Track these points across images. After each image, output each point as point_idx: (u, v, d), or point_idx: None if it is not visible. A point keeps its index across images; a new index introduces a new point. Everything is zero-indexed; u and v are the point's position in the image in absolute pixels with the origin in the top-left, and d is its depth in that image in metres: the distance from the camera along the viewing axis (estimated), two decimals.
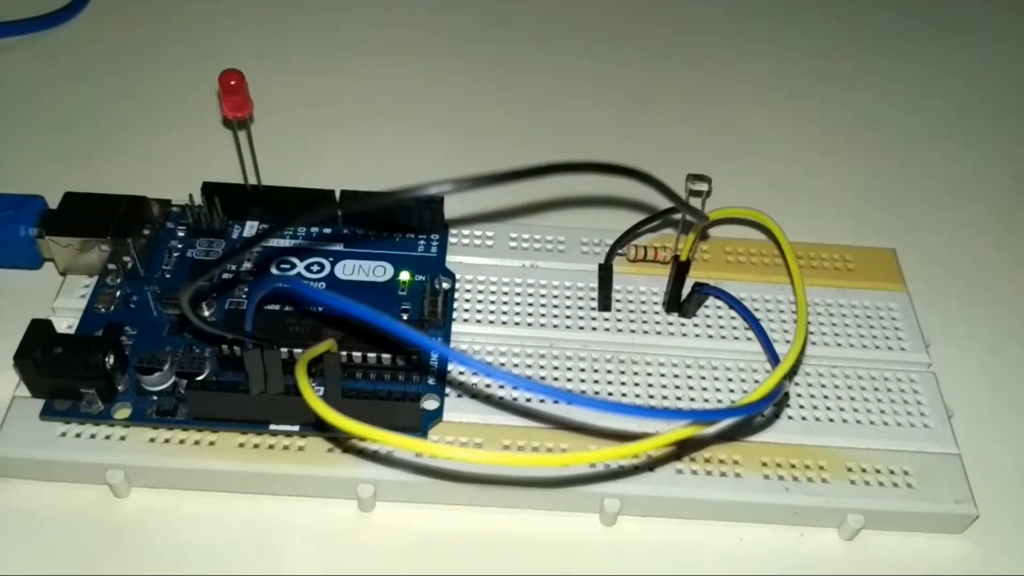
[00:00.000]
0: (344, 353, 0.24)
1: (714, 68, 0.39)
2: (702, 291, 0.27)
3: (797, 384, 0.26)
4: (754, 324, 0.26)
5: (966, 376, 0.28)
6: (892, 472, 0.25)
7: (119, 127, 0.34)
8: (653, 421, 0.24)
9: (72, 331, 0.26)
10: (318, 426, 0.23)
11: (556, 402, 0.25)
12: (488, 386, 0.25)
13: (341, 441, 0.24)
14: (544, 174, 0.16)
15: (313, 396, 0.18)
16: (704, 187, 0.25)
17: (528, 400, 0.25)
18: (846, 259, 0.30)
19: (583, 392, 0.26)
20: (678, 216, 0.25)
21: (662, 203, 0.23)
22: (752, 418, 0.25)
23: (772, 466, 0.25)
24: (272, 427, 0.24)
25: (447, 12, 0.41)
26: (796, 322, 0.23)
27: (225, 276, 0.27)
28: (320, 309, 0.25)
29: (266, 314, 0.25)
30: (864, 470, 0.25)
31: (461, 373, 0.26)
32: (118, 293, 0.26)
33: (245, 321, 0.21)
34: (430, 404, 0.24)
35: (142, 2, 0.39)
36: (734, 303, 0.27)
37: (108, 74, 0.36)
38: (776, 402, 0.23)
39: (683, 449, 0.24)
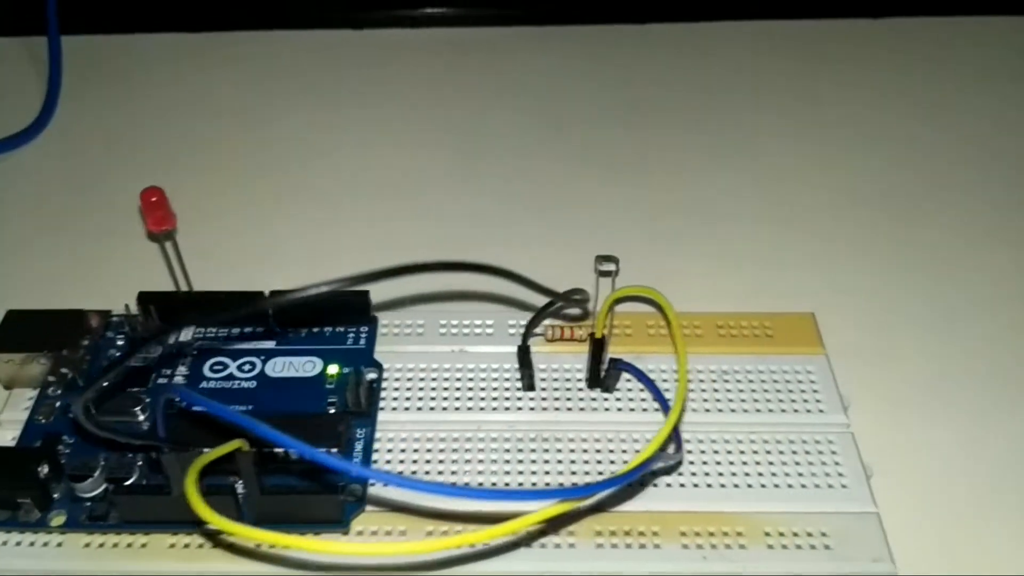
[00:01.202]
0: (263, 450, 0.25)
1: (631, 142, 0.41)
2: (618, 366, 0.28)
3: (716, 452, 0.27)
4: (657, 395, 0.27)
5: (885, 436, 0.28)
6: (810, 534, 0.25)
7: (60, 244, 0.35)
8: (527, 503, 0.24)
9: (15, 443, 0.27)
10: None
11: (443, 497, 0.25)
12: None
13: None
14: (405, 273, 0.17)
15: (199, 502, 0.19)
16: (611, 267, 0.26)
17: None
18: (765, 326, 0.30)
19: (507, 473, 0.26)
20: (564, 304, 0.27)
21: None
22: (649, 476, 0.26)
23: (691, 535, 0.25)
24: (201, 527, 0.25)
25: (399, 115, 0.43)
26: (675, 396, 0.24)
27: (161, 381, 0.28)
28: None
29: (189, 415, 0.26)
30: (782, 534, 0.25)
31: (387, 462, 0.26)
32: (58, 404, 0.27)
33: (158, 427, 0.22)
34: (352, 495, 0.25)
35: (94, 129, 0.42)
36: (640, 376, 0.28)
37: (50, 196, 0.38)
38: (665, 469, 0.24)
39: (603, 522, 0.25)
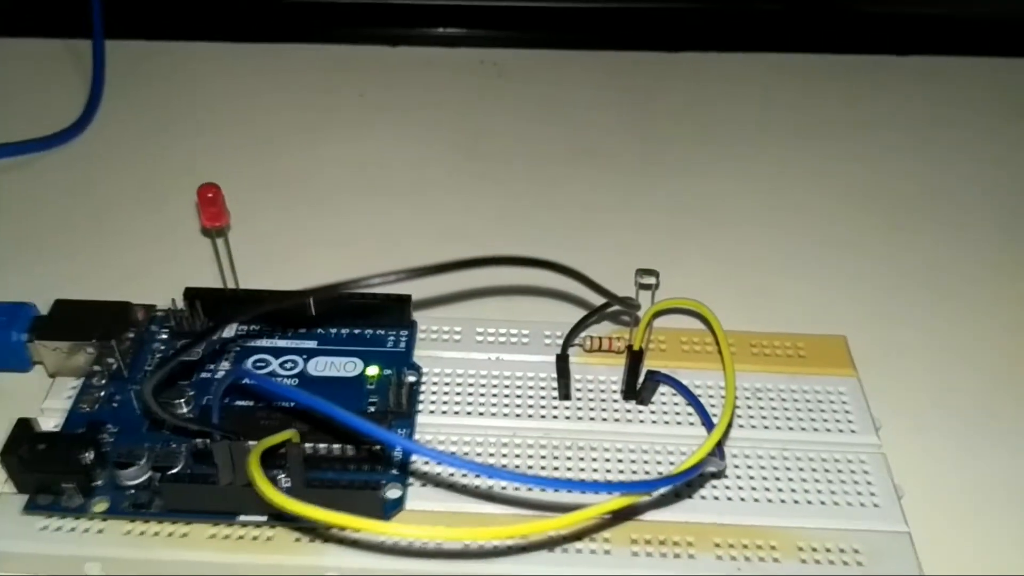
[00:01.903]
0: (310, 445, 0.25)
1: (666, 162, 0.41)
2: (655, 378, 0.28)
3: (750, 467, 0.27)
4: (699, 408, 0.27)
5: (916, 457, 0.28)
6: (842, 551, 0.25)
7: (107, 238, 0.36)
8: (592, 495, 0.25)
9: (58, 430, 0.27)
10: (285, 516, 0.24)
11: (500, 481, 0.26)
12: (452, 475, 0.27)
13: (308, 531, 0.25)
14: (474, 266, 0.18)
15: (265, 483, 0.20)
16: (652, 280, 0.27)
17: (488, 488, 0.26)
18: (798, 347, 0.31)
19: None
20: (617, 308, 0.27)
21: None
22: (685, 488, 0.26)
23: (724, 546, 0.25)
24: (241, 518, 0.25)
25: (430, 130, 0.43)
26: (724, 403, 0.24)
27: (203, 375, 0.28)
28: (285, 403, 0.26)
29: (238, 408, 0.26)
30: (815, 549, 0.25)
31: (425, 463, 0.27)
32: (102, 393, 0.28)
33: (212, 413, 0.22)
34: (393, 493, 0.26)
35: (134, 128, 0.42)
36: (682, 388, 0.28)
37: (96, 192, 0.39)
38: (708, 474, 0.24)
39: (638, 530, 0.25)
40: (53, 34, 0.47)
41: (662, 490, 0.26)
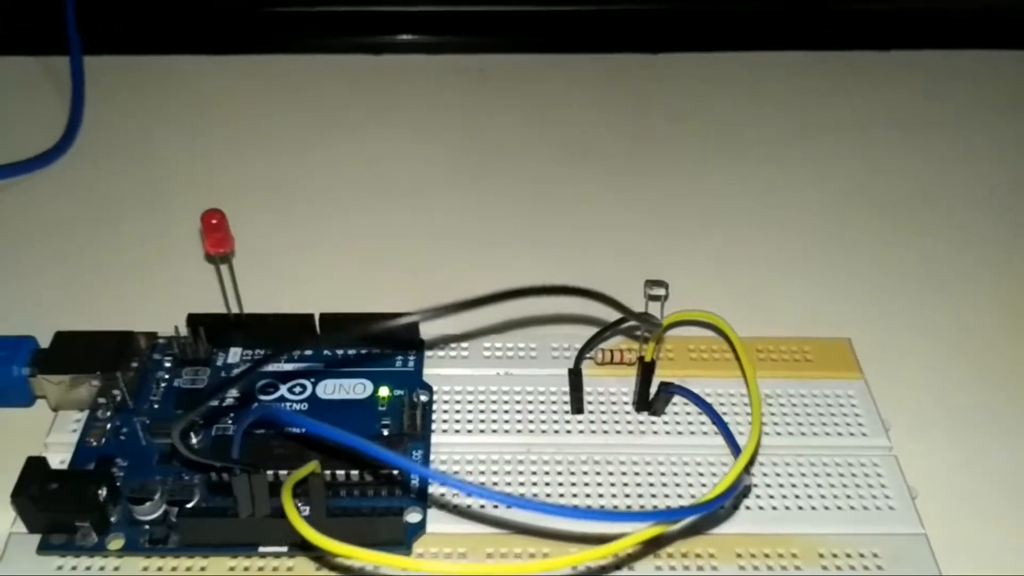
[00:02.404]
0: (328, 472, 0.25)
1: (665, 169, 0.41)
2: (668, 390, 0.28)
3: (766, 475, 0.27)
4: (716, 419, 0.27)
5: (927, 457, 0.29)
6: (862, 555, 0.26)
7: (106, 265, 0.35)
8: (623, 524, 0.25)
9: (65, 465, 0.27)
10: (305, 546, 0.24)
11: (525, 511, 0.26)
12: (469, 495, 0.26)
13: (328, 560, 0.25)
14: (503, 300, 0.18)
15: (299, 520, 0.19)
16: (661, 292, 0.27)
17: (510, 509, 0.26)
18: (804, 350, 0.31)
19: (561, 496, 0.27)
20: (633, 322, 0.27)
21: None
22: (718, 510, 0.26)
23: (747, 556, 0.25)
24: (261, 549, 0.24)
25: (422, 140, 0.43)
26: (751, 421, 0.24)
27: (210, 404, 0.28)
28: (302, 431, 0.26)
29: (252, 438, 0.26)
30: (835, 555, 0.26)
31: (442, 484, 0.27)
32: (108, 426, 0.27)
33: (233, 447, 0.22)
34: (413, 517, 0.25)
35: (120, 146, 0.42)
36: (697, 400, 0.28)
37: (91, 216, 0.38)
38: (737, 494, 0.24)
39: (659, 545, 0.25)
40: (28, 52, 0.46)
41: (695, 517, 0.26)
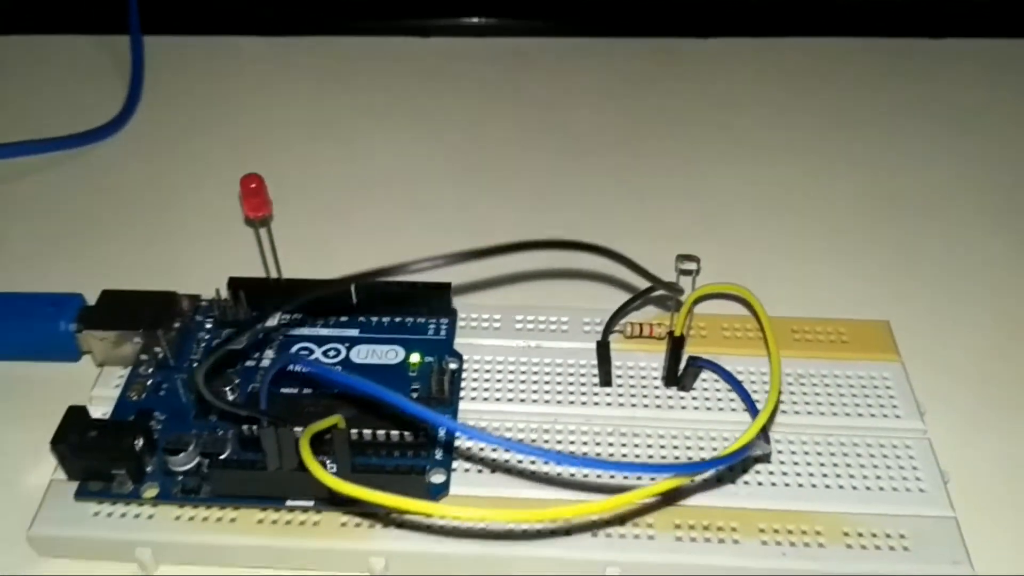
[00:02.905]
0: (355, 431, 0.25)
1: (706, 148, 0.41)
2: (696, 364, 0.28)
3: (794, 453, 0.27)
4: (743, 393, 0.27)
5: (961, 442, 0.28)
6: (888, 536, 0.25)
7: (152, 230, 0.37)
8: (643, 474, 0.25)
9: (107, 418, 0.28)
10: (332, 501, 0.25)
11: (547, 463, 0.26)
12: (494, 461, 0.27)
13: (355, 515, 0.25)
14: (518, 250, 0.18)
15: (316, 465, 0.20)
16: (693, 266, 0.27)
17: (532, 473, 0.26)
18: (840, 332, 0.31)
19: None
20: (660, 292, 0.27)
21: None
22: (728, 473, 0.26)
23: (769, 532, 0.25)
24: (288, 503, 0.25)
25: (456, 114, 0.43)
26: (769, 387, 0.24)
27: (248, 364, 0.29)
28: (334, 388, 0.26)
29: (283, 396, 0.26)
30: (860, 535, 0.25)
31: (468, 449, 0.27)
32: (150, 382, 0.28)
33: (260, 399, 0.23)
34: (437, 478, 0.26)
35: (174, 122, 0.43)
36: (725, 374, 0.28)
37: (139, 185, 0.39)
38: (754, 458, 0.24)
39: (682, 515, 0.25)
40: (91, 31, 0.48)
41: (708, 473, 0.26)
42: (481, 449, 0.27)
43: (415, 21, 0.49)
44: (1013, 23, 0.48)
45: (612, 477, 0.26)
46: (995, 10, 0.48)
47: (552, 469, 0.26)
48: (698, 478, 0.26)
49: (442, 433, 0.27)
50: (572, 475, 0.26)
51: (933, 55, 0.47)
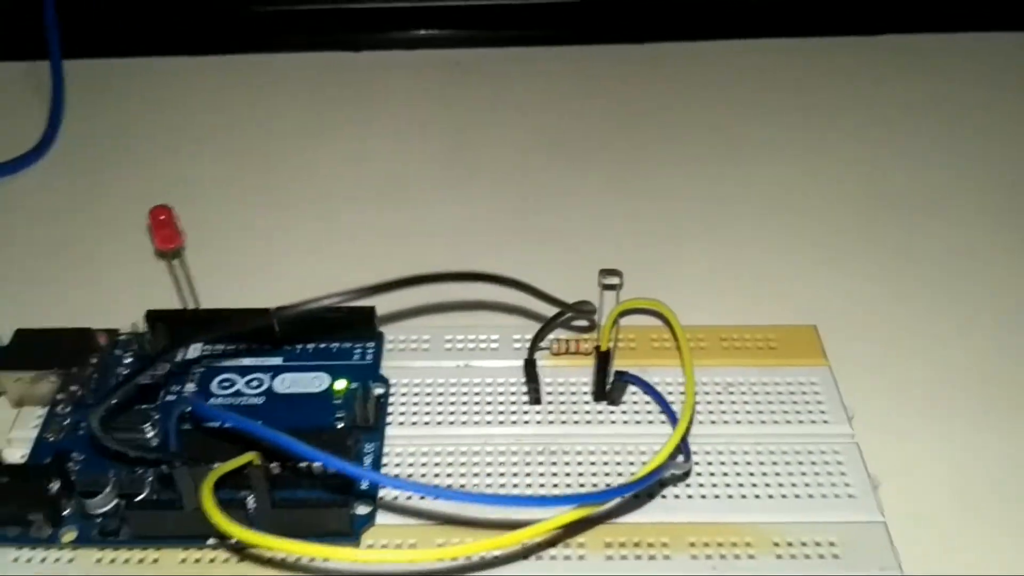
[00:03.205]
0: (276, 464, 0.25)
1: (634, 149, 0.41)
2: (623, 379, 0.28)
3: (723, 464, 0.27)
4: (665, 407, 0.27)
5: (889, 446, 0.28)
6: (818, 544, 0.25)
7: (69, 264, 0.36)
8: (549, 510, 0.24)
9: (25, 460, 0.27)
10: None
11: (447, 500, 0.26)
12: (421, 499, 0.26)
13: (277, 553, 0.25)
14: (411, 285, 0.18)
15: (215, 512, 0.19)
16: (616, 280, 0.26)
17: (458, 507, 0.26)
18: (768, 338, 0.31)
19: (515, 487, 0.27)
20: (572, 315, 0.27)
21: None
22: (657, 487, 0.26)
23: (699, 546, 0.25)
24: (210, 541, 0.25)
25: (398, 135, 0.43)
26: (683, 407, 0.24)
27: (168, 399, 0.28)
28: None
29: (202, 432, 0.26)
30: (790, 544, 0.25)
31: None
32: (67, 421, 0.28)
33: (169, 440, 0.22)
34: (362, 509, 0.25)
35: (88, 148, 0.42)
36: (648, 389, 0.28)
37: (57, 217, 0.38)
38: (674, 478, 0.24)
39: (610, 533, 0.25)
40: (11, 57, 0.47)
41: (616, 500, 0.25)
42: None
43: (345, 35, 0.48)
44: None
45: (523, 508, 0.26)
46: (994, 8, 0.49)
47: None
48: (607, 505, 0.25)
49: (368, 464, 0.26)
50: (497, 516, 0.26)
51: (866, 51, 0.48)
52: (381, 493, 0.26)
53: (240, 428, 0.19)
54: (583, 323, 0.31)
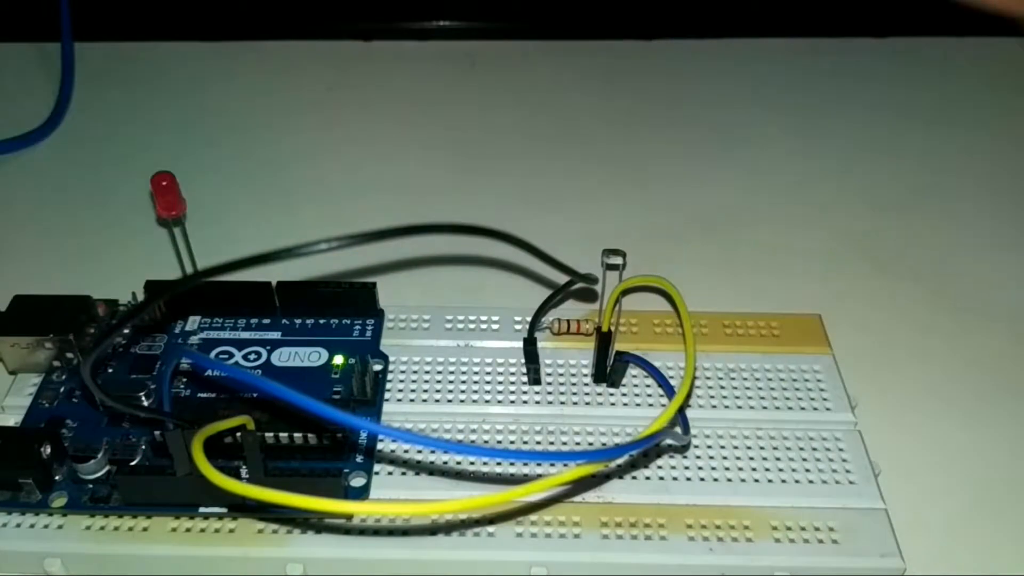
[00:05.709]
0: (271, 434, 0.25)
1: (642, 142, 0.41)
2: (624, 359, 0.28)
3: (723, 448, 0.27)
4: (667, 388, 0.27)
5: (891, 434, 0.28)
6: (817, 529, 0.25)
7: (71, 236, 0.36)
8: (555, 462, 0.25)
9: (17, 426, 0.27)
10: (246, 507, 0.24)
11: (446, 453, 0.26)
12: (415, 460, 0.26)
13: (271, 521, 0.24)
14: (409, 234, 0.17)
15: (208, 466, 0.19)
16: (619, 260, 0.26)
17: (457, 473, 0.26)
18: (772, 326, 0.30)
19: (511, 464, 0.26)
20: (580, 286, 0.26)
21: None
22: (656, 469, 0.26)
23: (697, 527, 0.25)
24: (202, 509, 0.24)
25: (393, 116, 0.43)
26: (684, 373, 0.24)
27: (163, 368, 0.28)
28: (245, 390, 0.26)
29: (196, 400, 0.25)
30: (789, 528, 0.25)
31: (392, 451, 0.26)
32: (62, 389, 0.27)
33: (162, 399, 0.22)
34: (357, 481, 0.25)
35: (96, 127, 0.42)
36: (652, 369, 0.27)
37: (64, 191, 0.38)
38: (671, 447, 0.24)
39: (609, 512, 0.25)
40: (24, 38, 0.47)
41: (621, 459, 0.25)
42: (406, 451, 0.26)
43: (356, 24, 0.48)
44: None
45: (526, 465, 0.26)
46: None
47: (471, 467, 0.26)
48: (613, 464, 0.25)
49: (363, 437, 0.26)
50: (498, 474, 0.26)
51: (872, 53, 0.48)
52: (377, 468, 0.26)
53: (236, 378, 0.19)
54: (587, 304, 0.30)
